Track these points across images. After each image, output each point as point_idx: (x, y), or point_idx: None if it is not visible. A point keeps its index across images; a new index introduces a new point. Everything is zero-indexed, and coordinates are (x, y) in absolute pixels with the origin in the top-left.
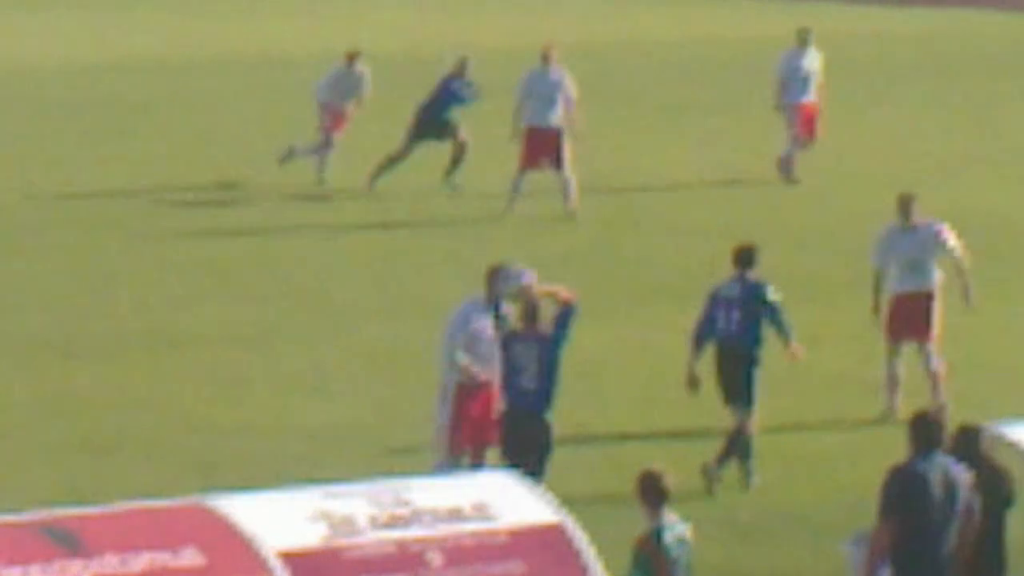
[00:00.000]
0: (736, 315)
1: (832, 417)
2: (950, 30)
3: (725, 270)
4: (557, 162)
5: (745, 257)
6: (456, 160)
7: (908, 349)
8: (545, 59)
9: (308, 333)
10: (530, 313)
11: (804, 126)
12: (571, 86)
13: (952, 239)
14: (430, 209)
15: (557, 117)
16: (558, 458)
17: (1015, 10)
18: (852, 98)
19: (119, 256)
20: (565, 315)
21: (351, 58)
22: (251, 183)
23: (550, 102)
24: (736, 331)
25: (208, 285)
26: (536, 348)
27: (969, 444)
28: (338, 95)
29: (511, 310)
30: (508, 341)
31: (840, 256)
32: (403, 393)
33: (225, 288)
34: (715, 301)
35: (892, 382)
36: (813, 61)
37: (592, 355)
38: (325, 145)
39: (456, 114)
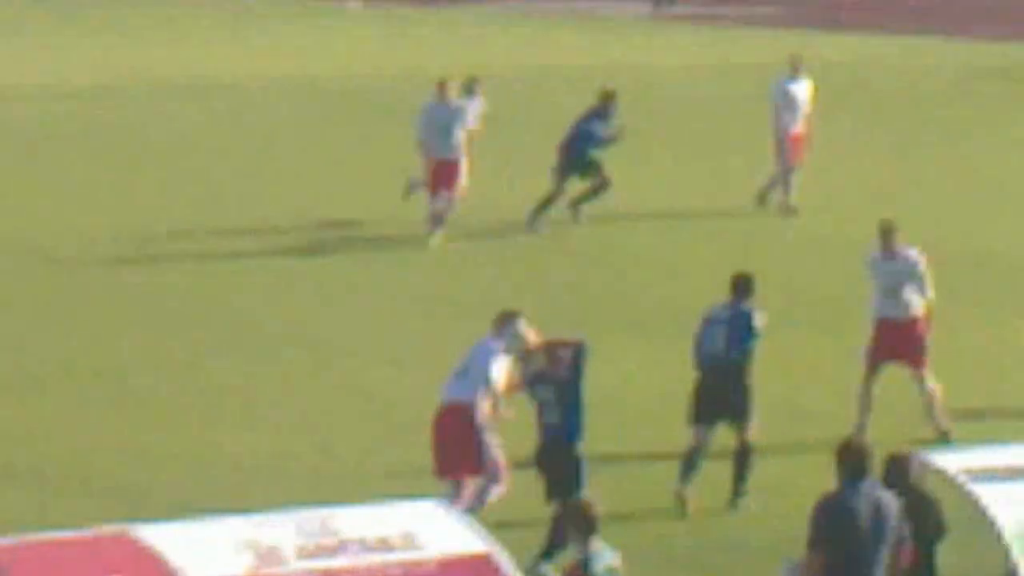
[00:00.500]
0: (722, 335)
1: (768, 444)
2: (882, 57)
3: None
4: (449, 189)
5: (741, 285)
6: (595, 191)
7: (887, 372)
8: (441, 91)
9: (237, 362)
10: (547, 359)
11: (790, 154)
12: (470, 116)
13: (924, 270)
14: (363, 236)
15: (454, 148)
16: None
17: (941, 35)
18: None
19: (45, 284)
20: (577, 358)
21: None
22: (181, 211)
23: (448, 134)
24: (723, 350)
25: (136, 314)
26: (554, 390)
27: (898, 472)
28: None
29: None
30: (532, 383)
31: (777, 287)
32: (332, 422)
33: (154, 316)
34: (706, 322)
35: (864, 402)
36: (803, 90)
37: None
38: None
39: (597, 153)
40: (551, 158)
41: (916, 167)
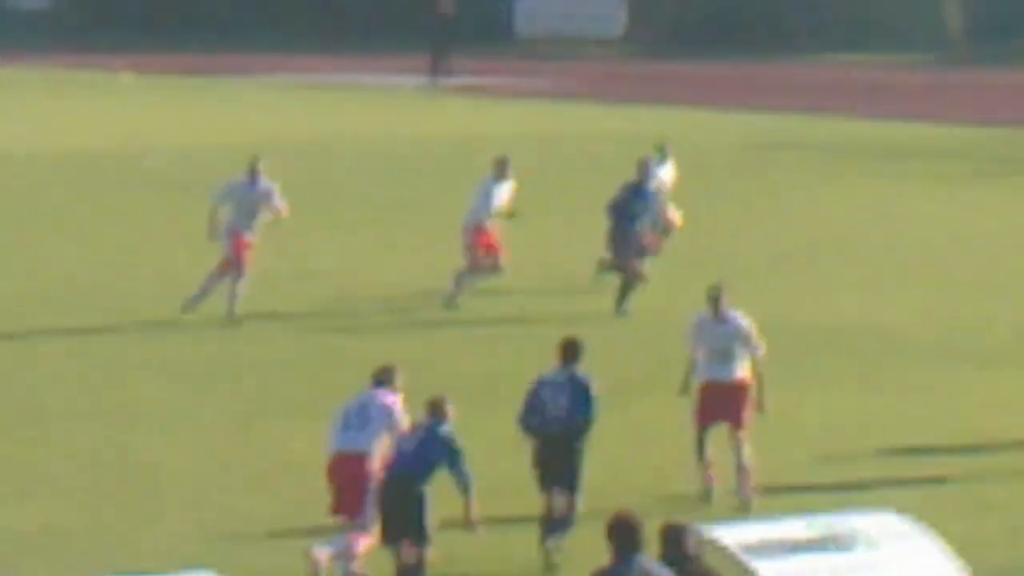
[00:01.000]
0: (563, 400)
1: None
2: (655, 129)
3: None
4: (241, 268)
5: (571, 350)
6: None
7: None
8: (253, 171)
9: (11, 435)
10: (430, 410)
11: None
12: (279, 198)
13: (754, 335)
14: (139, 312)
15: (255, 230)
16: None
17: (726, 110)
18: (561, 199)
19: None
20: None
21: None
22: None
23: (253, 215)
24: (564, 415)
25: None
26: (420, 436)
27: (674, 544)
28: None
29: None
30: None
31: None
32: (109, 496)
33: None
34: (541, 386)
35: (705, 464)
36: (668, 172)
37: None
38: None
39: (638, 227)
40: (334, 228)
41: (711, 240)
